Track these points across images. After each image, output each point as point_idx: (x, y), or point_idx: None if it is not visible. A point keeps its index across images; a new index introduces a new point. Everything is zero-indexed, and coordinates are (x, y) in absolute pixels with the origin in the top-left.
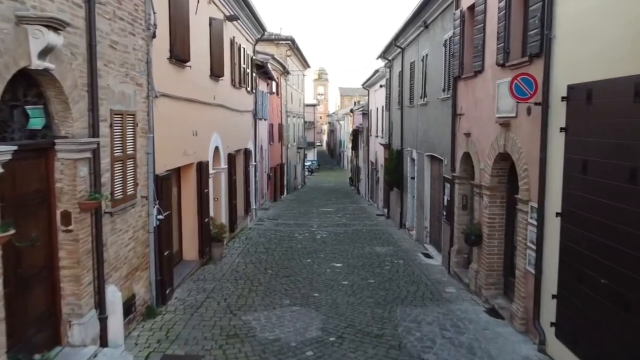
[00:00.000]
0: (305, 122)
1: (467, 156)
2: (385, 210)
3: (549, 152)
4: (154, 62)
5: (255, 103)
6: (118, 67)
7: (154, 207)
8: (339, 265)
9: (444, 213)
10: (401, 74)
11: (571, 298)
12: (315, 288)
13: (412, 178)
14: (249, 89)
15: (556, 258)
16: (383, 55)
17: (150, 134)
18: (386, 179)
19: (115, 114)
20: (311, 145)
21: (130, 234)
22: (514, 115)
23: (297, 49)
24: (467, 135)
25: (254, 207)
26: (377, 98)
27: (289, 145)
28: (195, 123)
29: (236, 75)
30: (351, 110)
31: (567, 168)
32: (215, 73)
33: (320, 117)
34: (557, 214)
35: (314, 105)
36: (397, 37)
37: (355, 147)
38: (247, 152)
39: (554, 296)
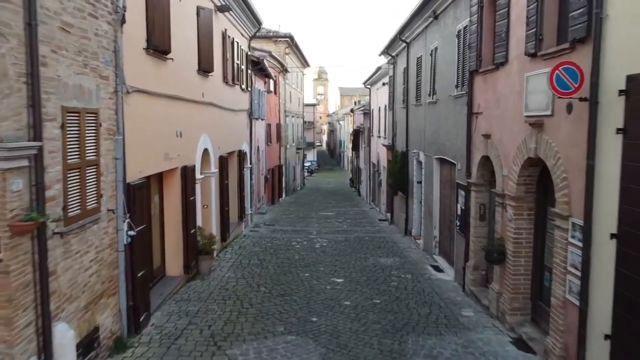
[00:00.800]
0: (304, 122)
1: (485, 160)
2: (389, 215)
3: (599, 158)
4: (126, 52)
5: (251, 102)
6: (73, 55)
7: (124, 221)
8: (340, 280)
9: (457, 223)
10: (406, 70)
11: (632, 342)
12: (314, 310)
13: (419, 182)
14: (243, 86)
15: (610, 289)
16: (386, 51)
17: (119, 136)
18: (390, 182)
19: (70, 112)
20: (311, 145)
21: (91, 256)
22: (548, 113)
23: (296, 46)
24: (486, 136)
25: (250, 212)
26: (380, 97)
27: (288, 146)
28: (180, 123)
29: (229, 71)
30: (351, 110)
31: (625, 178)
32: (204, 68)
33: (320, 117)
34: (612, 236)
35: (313, 105)
36: (402, 31)
37: (355, 148)
38: (241, 154)
39: (607, 336)
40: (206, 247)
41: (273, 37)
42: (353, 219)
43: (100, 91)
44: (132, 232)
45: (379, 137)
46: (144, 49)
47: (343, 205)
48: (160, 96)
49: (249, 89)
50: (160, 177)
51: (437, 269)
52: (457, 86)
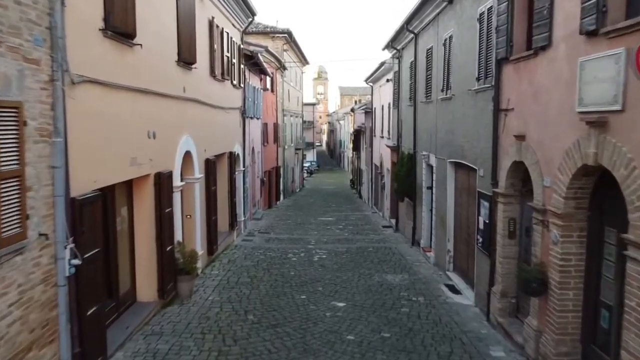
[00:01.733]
0: (304, 122)
1: (518, 166)
2: (393, 222)
3: None
4: (72, 30)
5: (244, 99)
6: None
7: (65, 247)
8: (341, 305)
9: (479, 239)
10: (414, 64)
11: None
12: (310, 348)
13: (429, 188)
14: (235, 82)
15: None
16: (391, 44)
17: (58, 138)
18: (395, 187)
19: None
20: (310, 145)
21: (12, 298)
22: (616, 108)
23: (295, 42)
24: (520, 138)
25: (243, 218)
26: (383, 94)
27: (286, 147)
28: (153, 121)
29: (218, 65)
30: (352, 110)
31: None
32: (185, 59)
33: (320, 117)
34: None
35: (313, 105)
36: (409, 20)
37: (356, 148)
38: (232, 156)
39: None
40: (186, 266)
41: (270, 32)
42: (355, 225)
43: (24, 79)
44: (76, 261)
45: (382, 137)
46: (100, 29)
47: (344, 209)
48: (125, 89)
49: (242, 85)
50: (129, 186)
51: (453, 289)
52: (478, 79)
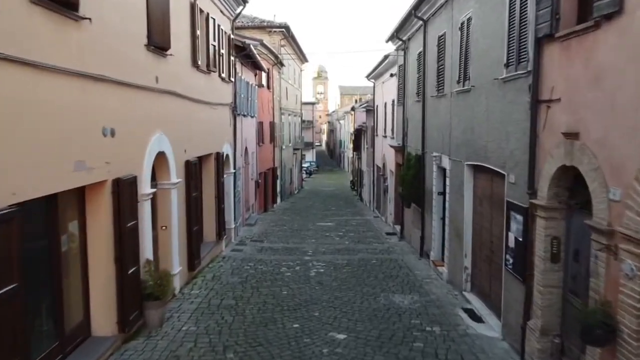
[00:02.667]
0: (303, 122)
1: (565, 173)
2: (398, 229)
3: None
4: None
5: (235, 95)
6: None
7: None
8: (341, 337)
9: (509, 260)
10: (422, 55)
11: None
12: None
13: (440, 194)
14: (224, 75)
15: None
16: (396, 35)
17: None
18: (401, 192)
19: None
20: (309, 145)
21: None
22: None
23: (293, 38)
24: (571, 136)
25: (233, 225)
26: (386, 90)
27: (284, 147)
28: (112, 116)
29: (202, 54)
30: (352, 109)
31: None
32: (157, 43)
33: (320, 117)
34: None
35: (312, 104)
36: (418, 5)
37: (357, 149)
38: (220, 158)
39: None
40: (156, 290)
41: (267, 27)
42: (356, 231)
43: None
44: None
45: (385, 136)
46: None
47: (344, 213)
48: (68, 74)
49: (233, 79)
50: (81, 196)
51: (473, 315)
52: (507, 65)
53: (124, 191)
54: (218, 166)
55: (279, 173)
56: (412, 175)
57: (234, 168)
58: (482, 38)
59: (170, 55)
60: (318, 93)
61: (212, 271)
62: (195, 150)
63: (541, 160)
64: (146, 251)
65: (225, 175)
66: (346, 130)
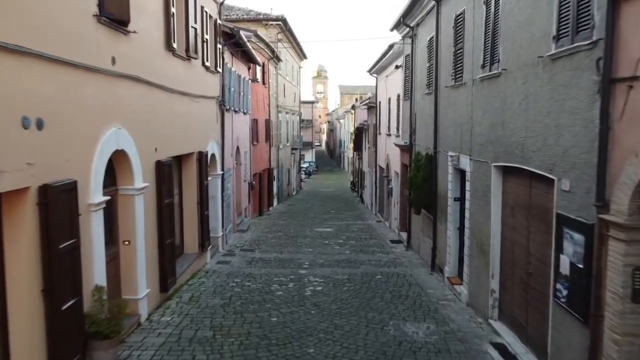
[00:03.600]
0: (302, 121)
1: None
2: (404, 236)
3: None
4: None
5: (223, 87)
6: None
7: None
8: None
9: (561, 290)
10: (434, 41)
11: None
12: None
13: (457, 200)
14: (209, 64)
15: None
16: (402, 21)
17: None
18: (409, 196)
19: None
20: (309, 145)
21: None
22: None
23: (290, 32)
24: None
25: (220, 233)
26: (390, 85)
27: (281, 146)
28: (38, 103)
29: (180, 37)
30: (353, 107)
31: None
32: (111, 14)
33: (320, 116)
34: None
35: (312, 103)
36: None
37: (358, 148)
38: (203, 157)
39: None
40: (105, 327)
41: (263, 19)
42: (357, 239)
43: None
44: None
45: (389, 134)
46: None
47: (344, 217)
48: None
49: (220, 69)
50: None
51: (505, 353)
52: (558, 37)
53: (57, 201)
54: (201, 167)
55: (275, 174)
56: (422, 177)
57: (222, 169)
58: (517, 9)
59: (134, 32)
60: (318, 92)
61: (191, 290)
62: (171, 149)
63: (617, 161)
64: (95, 276)
65: (210, 178)
66: (346, 130)
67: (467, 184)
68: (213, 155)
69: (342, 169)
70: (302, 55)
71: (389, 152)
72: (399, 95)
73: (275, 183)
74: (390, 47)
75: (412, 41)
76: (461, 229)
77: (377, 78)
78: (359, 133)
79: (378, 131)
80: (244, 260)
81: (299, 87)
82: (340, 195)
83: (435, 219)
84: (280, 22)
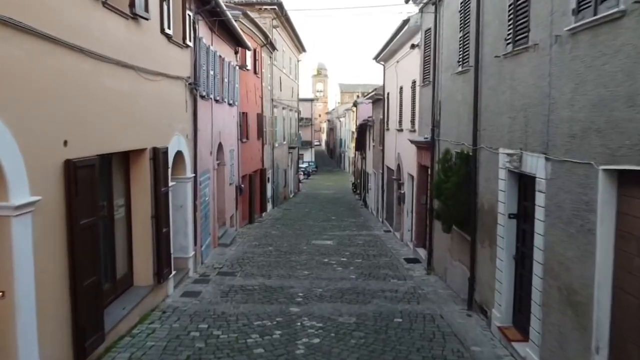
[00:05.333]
0: (301, 119)
1: None
2: (423, 255)
3: None
4: None
5: (196, 66)
6: None
7: None
8: None
9: None
10: (467, 2)
11: None
12: None
13: (513, 217)
14: (170, 32)
15: None
16: None
17: None
18: (436, 207)
19: None
20: (308, 144)
21: None
22: None
23: (287, 19)
24: None
25: (192, 253)
26: (402, 71)
27: (276, 144)
28: None
29: None
30: (354, 104)
31: None
32: None
33: (319, 115)
34: None
35: (311, 100)
36: None
37: (360, 147)
38: (161, 156)
39: None
40: None
41: (256, 3)
42: (364, 256)
43: None
44: None
45: (400, 130)
46: None
47: (347, 225)
48: None
49: (189, 42)
50: None
51: None
52: None
53: None
54: (156, 169)
55: (269, 175)
56: (454, 183)
57: (194, 171)
58: None
59: None
60: (318, 91)
61: (131, 348)
62: (99, 143)
63: None
64: None
65: (174, 183)
66: (347, 129)
67: (539, 197)
68: (180, 153)
69: (342, 169)
70: (300, 47)
71: (400, 150)
72: (414, 82)
73: (269, 185)
74: (405, 22)
75: (436, 9)
76: (522, 260)
77: (384, 66)
78: (361, 131)
79: (386, 127)
80: (219, 289)
81: (297, 82)
82: (341, 198)
83: (474, 240)
84: (275, 7)
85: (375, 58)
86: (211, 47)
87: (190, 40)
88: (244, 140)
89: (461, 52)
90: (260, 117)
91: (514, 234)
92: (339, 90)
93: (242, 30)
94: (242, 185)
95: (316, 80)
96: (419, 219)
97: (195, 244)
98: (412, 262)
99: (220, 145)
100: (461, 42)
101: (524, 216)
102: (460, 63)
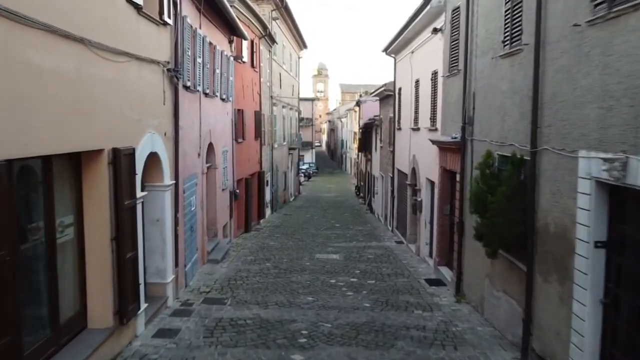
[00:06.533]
0: (301, 119)
1: None
2: (449, 276)
3: None
4: None
5: (177, 50)
6: None
7: None
8: None
9: None
10: None
11: None
12: None
13: (601, 245)
14: (139, 1)
15: None
16: None
17: None
18: (480, 227)
19: None
20: (308, 145)
21: None
22: None
23: (287, 11)
24: None
25: (171, 277)
26: (420, 62)
27: (276, 145)
28: None
29: None
30: (357, 103)
31: None
32: None
33: (320, 116)
34: None
35: (312, 100)
36: None
37: (364, 148)
38: (124, 160)
39: None
40: None
41: None
42: (377, 275)
43: None
44: None
45: (416, 129)
46: None
47: (353, 234)
48: None
49: (168, 19)
50: None
51: None
52: None
53: None
54: (118, 176)
55: (268, 178)
56: (504, 195)
57: (175, 177)
58: None
59: None
60: (318, 91)
61: None
62: (16, 143)
63: None
64: None
65: (146, 193)
66: (348, 129)
67: None
68: (154, 155)
69: (343, 171)
70: (301, 43)
71: (416, 152)
72: (434, 74)
73: (268, 189)
74: (426, 2)
75: None
76: (614, 305)
77: (395, 59)
78: (366, 131)
79: (397, 126)
80: (202, 325)
81: (298, 80)
82: (344, 201)
83: (531, 271)
84: None
85: (385, 50)
86: (199, 31)
87: (169, 17)
88: (240, 140)
89: (508, 29)
90: (258, 115)
91: (602, 269)
92: (340, 90)
93: (238, 19)
94: (237, 191)
95: (317, 80)
96: (442, 233)
97: (176, 265)
98: (435, 285)
99: (211, 146)
100: (508, 15)
101: (619, 246)
102: (508, 42)
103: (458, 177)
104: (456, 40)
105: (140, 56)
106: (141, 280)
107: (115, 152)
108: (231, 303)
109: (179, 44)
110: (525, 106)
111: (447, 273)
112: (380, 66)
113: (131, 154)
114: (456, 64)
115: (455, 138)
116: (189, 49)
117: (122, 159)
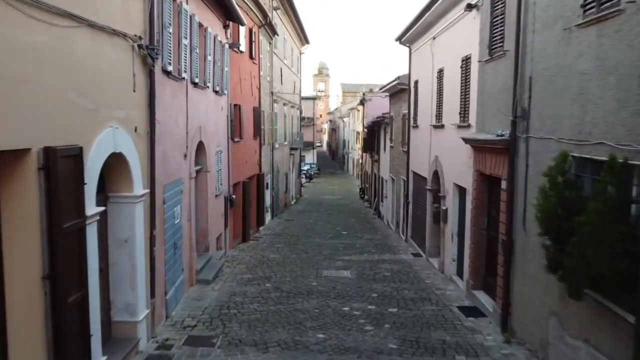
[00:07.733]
0: (303, 118)
1: None
2: (489, 304)
3: None
4: None
5: (152, 22)
6: None
7: None
8: None
9: None
10: None
11: None
12: None
13: None
14: None
15: None
16: None
17: None
18: (558, 257)
19: None
20: (310, 145)
21: None
22: None
23: (289, 1)
24: None
25: (143, 314)
26: (445, 48)
27: (277, 145)
28: None
29: None
30: (361, 102)
31: None
32: None
33: (321, 115)
34: None
35: (314, 99)
36: None
37: (370, 149)
38: (71, 165)
39: None
40: None
41: None
42: (400, 301)
43: None
44: None
45: (439, 126)
46: None
47: (363, 244)
48: None
49: None
50: None
51: None
52: None
53: None
54: (53, 187)
55: (268, 181)
56: (599, 214)
57: (149, 184)
58: None
59: None
60: (319, 91)
61: None
62: None
63: None
64: None
65: (102, 208)
66: (351, 129)
67: None
68: (119, 156)
69: (345, 172)
70: (303, 38)
71: (439, 152)
72: (466, 59)
73: (268, 193)
74: None
75: None
76: None
77: (410, 49)
78: (372, 130)
79: (413, 123)
80: None
81: (299, 77)
82: (348, 204)
83: None
84: None
85: (399, 39)
86: (185, 6)
87: None
88: (237, 139)
89: None
90: (257, 112)
91: None
92: (341, 90)
93: (236, 3)
94: (234, 196)
95: (317, 80)
96: (477, 250)
97: (152, 295)
98: (472, 315)
99: (201, 145)
100: None
101: None
102: (595, 4)
103: (504, 185)
104: (501, 14)
105: (96, 23)
106: (92, 330)
107: (49, 152)
108: (221, 344)
109: (157, 15)
110: (623, 90)
111: (485, 300)
112: (381, 66)
113: (76, 155)
114: (500, 44)
115: (501, 135)
116: (170, 24)
117: (60, 163)
